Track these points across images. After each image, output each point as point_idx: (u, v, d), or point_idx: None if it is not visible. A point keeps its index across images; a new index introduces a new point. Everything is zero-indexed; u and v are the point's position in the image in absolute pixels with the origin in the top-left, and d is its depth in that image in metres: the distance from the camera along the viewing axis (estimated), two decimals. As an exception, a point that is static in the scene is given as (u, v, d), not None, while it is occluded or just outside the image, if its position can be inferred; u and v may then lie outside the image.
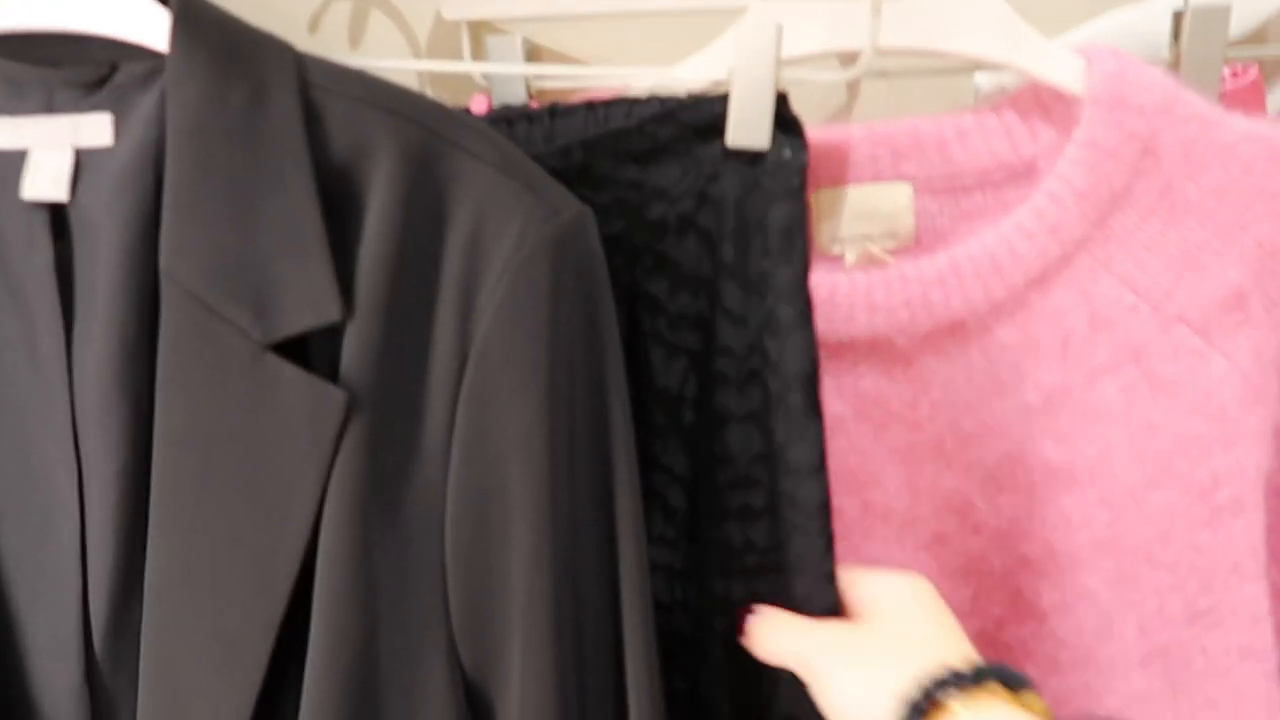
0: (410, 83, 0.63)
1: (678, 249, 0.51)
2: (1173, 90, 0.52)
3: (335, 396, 0.45)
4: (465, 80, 0.66)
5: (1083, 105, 0.52)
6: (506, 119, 0.52)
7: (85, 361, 0.48)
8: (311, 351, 0.46)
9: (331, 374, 0.46)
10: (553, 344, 0.46)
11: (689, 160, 0.51)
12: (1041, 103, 0.54)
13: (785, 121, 0.50)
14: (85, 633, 0.49)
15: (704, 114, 0.50)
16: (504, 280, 0.45)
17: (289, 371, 0.45)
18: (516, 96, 0.63)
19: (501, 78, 0.62)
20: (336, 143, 0.46)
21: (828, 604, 0.51)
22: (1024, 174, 0.55)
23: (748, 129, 0.50)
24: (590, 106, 0.51)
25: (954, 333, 0.55)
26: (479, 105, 0.63)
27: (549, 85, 0.65)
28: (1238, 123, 0.52)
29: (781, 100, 0.50)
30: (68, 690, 0.49)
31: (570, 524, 0.47)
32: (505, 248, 0.45)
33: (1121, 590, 0.53)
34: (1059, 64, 0.53)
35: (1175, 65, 0.55)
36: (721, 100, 0.50)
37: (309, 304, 0.45)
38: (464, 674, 0.48)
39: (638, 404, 0.51)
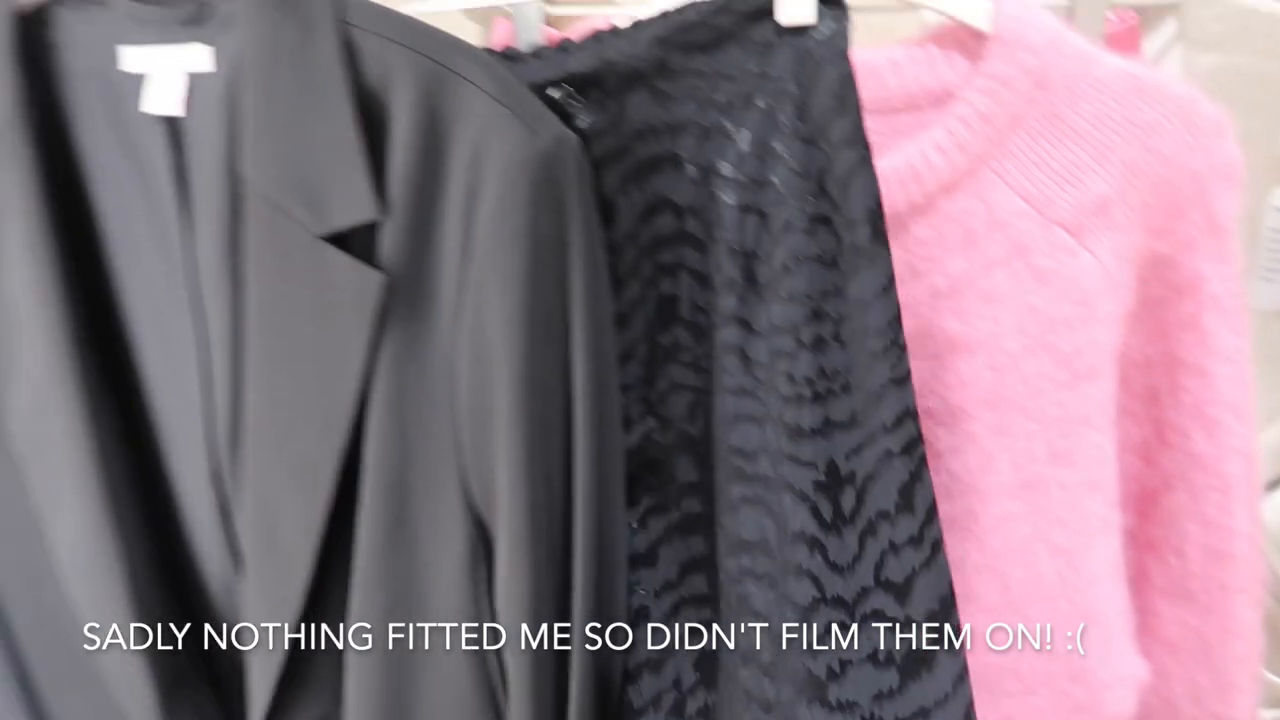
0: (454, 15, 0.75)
1: (742, 119, 0.59)
2: (1060, 31, 0.63)
3: (374, 277, 0.57)
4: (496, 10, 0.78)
5: (990, 41, 0.63)
6: (597, 37, 0.61)
7: (201, 247, 0.62)
8: (354, 243, 0.58)
9: (370, 262, 0.58)
10: (532, 244, 0.57)
11: (746, 42, 0.58)
12: (959, 38, 0.65)
13: None
14: (211, 444, 0.64)
15: (754, 1, 0.58)
16: (494, 192, 0.56)
17: (338, 257, 0.57)
18: (532, 21, 0.75)
19: (520, 6, 0.74)
20: (369, 73, 0.57)
21: (896, 408, 0.58)
22: (942, 98, 0.66)
23: (796, 6, 0.58)
24: (664, 15, 0.60)
25: (879, 229, 0.67)
26: (502, 29, 0.75)
27: (562, 12, 0.76)
28: (1112, 61, 0.63)
29: None
30: (203, 480, 0.65)
31: (543, 389, 0.59)
32: (496, 165, 0.56)
33: (999, 436, 0.66)
34: (972, 5, 0.64)
35: (1071, 10, 0.65)
36: None
37: (353, 204, 0.56)
38: (472, 505, 0.62)
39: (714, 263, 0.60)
